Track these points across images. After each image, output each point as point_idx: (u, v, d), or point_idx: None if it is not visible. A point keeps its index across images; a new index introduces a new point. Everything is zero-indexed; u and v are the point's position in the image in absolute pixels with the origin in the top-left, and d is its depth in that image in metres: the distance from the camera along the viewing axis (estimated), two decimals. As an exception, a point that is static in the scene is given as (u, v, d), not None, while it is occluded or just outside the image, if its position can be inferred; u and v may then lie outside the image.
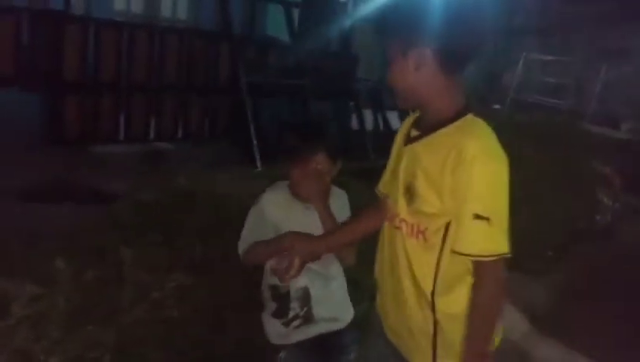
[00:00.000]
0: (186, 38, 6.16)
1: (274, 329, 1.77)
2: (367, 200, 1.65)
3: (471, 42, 1.28)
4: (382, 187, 1.55)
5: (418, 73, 1.28)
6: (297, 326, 1.73)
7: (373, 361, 1.56)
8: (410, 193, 1.33)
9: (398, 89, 1.36)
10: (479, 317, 1.26)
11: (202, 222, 2.29)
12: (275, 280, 1.72)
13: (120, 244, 2.07)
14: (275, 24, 7.36)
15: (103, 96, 5.54)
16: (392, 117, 7.11)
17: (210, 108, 6.42)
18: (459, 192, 1.22)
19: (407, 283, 1.36)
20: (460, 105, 1.32)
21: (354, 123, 6.82)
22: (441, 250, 1.29)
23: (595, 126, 11.68)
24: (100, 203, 3.47)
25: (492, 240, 1.22)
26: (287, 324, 1.74)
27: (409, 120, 1.46)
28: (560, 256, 4.51)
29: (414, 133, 1.38)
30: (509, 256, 1.25)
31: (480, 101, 8.68)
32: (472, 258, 1.24)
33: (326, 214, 1.68)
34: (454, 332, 1.30)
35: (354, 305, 1.88)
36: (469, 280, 1.29)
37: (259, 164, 4.86)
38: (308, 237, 1.59)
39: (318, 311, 1.73)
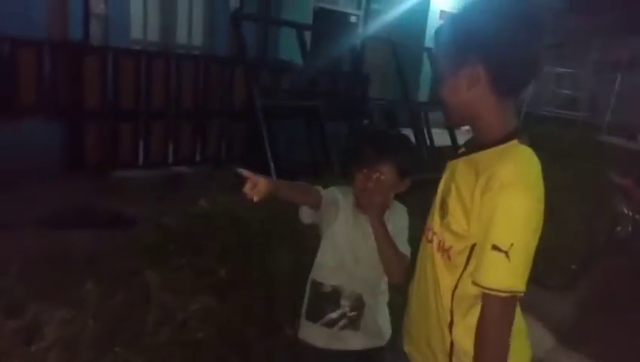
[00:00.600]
0: (202, 64, 6.29)
1: (317, 332, 1.72)
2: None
3: (524, 65, 1.23)
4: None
5: (469, 92, 1.25)
6: (343, 328, 1.70)
7: None
8: (444, 209, 1.32)
9: (448, 106, 1.33)
10: (484, 350, 1.21)
11: (224, 245, 2.32)
12: (319, 277, 1.72)
13: (145, 268, 2.11)
14: (288, 47, 7.48)
15: (123, 123, 5.67)
16: (407, 134, 7.11)
17: (227, 131, 6.52)
18: (483, 219, 1.19)
19: (431, 299, 1.36)
20: (509, 129, 1.27)
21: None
22: (463, 271, 1.27)
23: (611, 137, 11.58)
24: (122, 227, 3.53)
25: (505, 275, 1.17)
26: (332, 324, 1.70)
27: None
28: (583, 269, 4.46)
29: (462, 149, 1.38)
30: (521, 294, 1.20)
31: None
32: (481, 289, 1.20)
33: (378, 229, 1.62)
34: (468, 356, 1.27)
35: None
36: None
37: (276, 185, 4.89)
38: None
39: (365, 320, 1.72)
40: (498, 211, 1.16)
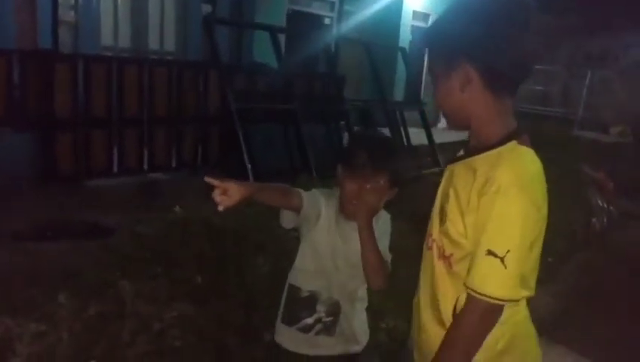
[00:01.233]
0: (175, 69, 6.23)
1: (292, 336, 1.70)
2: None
3: (514, 63, 1.19)
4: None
5: (463, 94, 1.22)
6: (318, 333, 1.68)
7: None
8: (443, 214, 1.28)
9: (444, 109, 1.29)
10: (450, 348, 1.20)
11: (200, 252, 2.29)
12: (296, 281, 1.69)
13: (120, 278, 2.07)
14: (262, 50, 7.46)
15: (95, 131, 5.57)
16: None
17: (202, 136, 6.47)
18: (479, 223, 1.15)
19: (432, 309, 1.32)
20: (508, 130, 1.23)
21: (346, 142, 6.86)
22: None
23: (585, 131, 11.83)
24: (97, 238, 3.47)
25: (499, 282, 1.13)
26: (307, 330, 1.68)
27: None
28: (560, 261, 4.53)
29: (460, 152, 1.33)
30: (516, 301, 1.18)
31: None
32: (469, 291, 1.17)
33: (367, 235, 1.58)
34: None
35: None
36: None
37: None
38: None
39: (341, 326, 1.70)
40: (494, 215, 1.12)
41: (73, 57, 5.76)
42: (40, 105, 5.26)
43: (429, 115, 8.05)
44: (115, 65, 5.73)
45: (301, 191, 1.64)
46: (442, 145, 7.20)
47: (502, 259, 1.11)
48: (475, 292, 1.15)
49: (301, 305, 1.68)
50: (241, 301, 2.27)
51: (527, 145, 1.24)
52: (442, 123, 11.76)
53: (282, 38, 7.75)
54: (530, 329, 1.35)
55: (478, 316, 1.17)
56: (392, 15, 11.25)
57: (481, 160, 1.22)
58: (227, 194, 1.40)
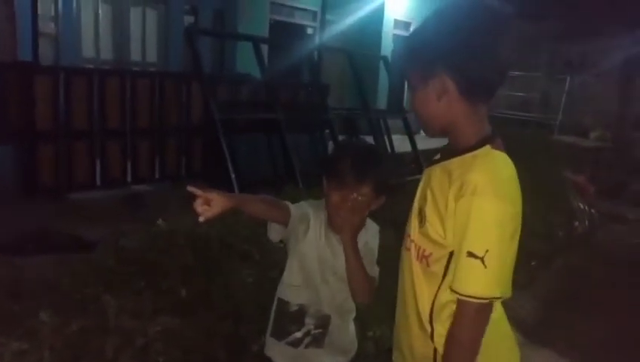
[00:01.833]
0: (157, 80, 6.20)
1: (282, 351, 1.69)
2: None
3: (490, 71, 1.23)
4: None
5: (440, 102, 1.25)
6: (307, 346, 1.67)
7: None
8: (421, 216, 1.31)
9: (421, 117, 1.32)
10: (454, 354, 1.22)
11: (184, 264, 2.27)
12: (284, 295, 1.67)
13: (102, 293, 2.04)
14: (245, 61, 7.47)
15: (77, 144, 5.52)
16: (368, 141, 7.19)
17: (186, 147, 6.43)
18: (458, 226, 1.18)
19: (411, 308, 1.34)
20: (482, 135, 1.27)
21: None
22: (443, 279, 1.26)
23: (565, 136, 12.01)
24: (80, 251, 3.42)
25: (481, 282, 1.16)
26: (297, 344, 1.67)
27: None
28: (543, 265, 4.57)
29: (437, 156, 1.36)
30: (499, 299, 1.21)
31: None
32: (457, 296, 1.20)
33: (350, 248, 1.57)
34: None
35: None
36: None
37: (238, 198, 4.85)
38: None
39: (330, 338, 1.69)
40: (471, 218, 1.15)
41: (54, 69, 5.72)
42: (21, 118, 5.19)
43: (413, 123, 8.10)
44: (96, 77, 5.69)
45: (288, 203, 1.61)
46: (426, 151, 7.25)
47: (482, 259, 1.14)
48: (460, 294, 1.18)
49: (290, 318, 1.67)
50: (227, 312, 2.25)
51: (500, 150, 1.28)
52: (426, 130, 11.85)
53: (265, 48, 7.76)
54: (505, 329, 1.37)
55: (469, 318, 1.20)
56: (374, 24, 11.35)
57: (456, 163, 1.26)
58: (209, 204, 1.38)
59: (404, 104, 11.68)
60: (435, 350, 1.30)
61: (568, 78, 15.13)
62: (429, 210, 1.28)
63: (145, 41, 8.52)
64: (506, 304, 1.31)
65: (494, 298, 1.19)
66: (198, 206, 1.37)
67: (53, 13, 7.30)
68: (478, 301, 1.17)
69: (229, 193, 1.45)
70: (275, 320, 1.71)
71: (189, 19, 8.92)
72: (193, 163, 6.51)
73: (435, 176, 1.31)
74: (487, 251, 1.14)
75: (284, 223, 1.59)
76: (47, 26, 7.18)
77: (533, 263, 4.42)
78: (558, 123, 14.54)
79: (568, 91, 15.16)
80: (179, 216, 2.72)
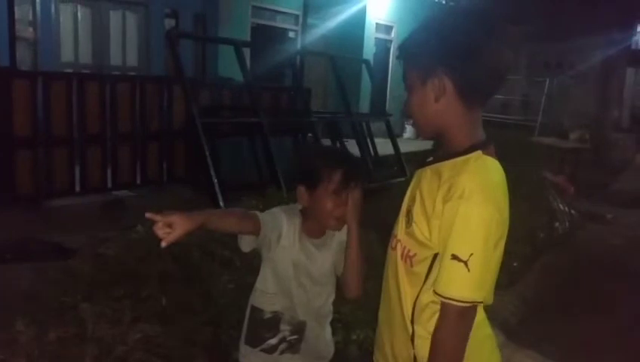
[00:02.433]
0: (138, 84, 6.14)
1: (256, 358, 1.68)
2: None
3: (488, 75, 1.23)
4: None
5: (437, 104, 1.25)
6: (282, 352, 1.67)
7: None
8: (409, 216, 1.32)
9: (417, 119, 1.32)
10: (438, 358, 1.22)
11: (163, 271, 2.24)
12: (258, 303, 1.67)
13: (80, 301, 2.01)
14: (227, 64, 7.44)
15: (56, 150, 5.44)
16: (350, 145, 7.22)
17: (167, 152, 6.38)
18: (444, 228, 1.19)
19: (394, 308, 1.35)
20: (476, 139, 1.28)
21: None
22: (425, 280, 1.27)
23: (545, 137, 12.15)
24: (58, 259, 3.37)
25: (464, 285, 1.17)
26: (271, 351, 1.66)
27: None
28: (525, 266, 4.62)
29: (429, 158, 1.37)
30: (481, 303, 1.22)
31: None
32: (439, 298, 1.20)
33: (359, 236, 1.61)
34: None
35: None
36: None
37: (221, 202, 4.82)
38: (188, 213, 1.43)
39: (306, 343, 1.69)
40: (457, 221, 1.16)
41: (32, 74, 5.63)
42: (-3, 124, 5.10)
43: (395, 126, 8.15)
44: (75, 81, 5.61)
45: (258, 214, 1.60)
46: (408, 154, 7.30)
47: (465, 263, 1.15)
48: (442, 296, 1.19)
49: (264, 326, 1.66)
50: (208, 319, 2.23)
51: (492, 156, 1.28)
52: (408, 133, 11.93)
53: (247, 52, 7.74)
54: (487, 331, 1.37)
55: (451, 320, 1.20)
56: (356, 28, 11.40)
57: (447, 166, 1.27)
58: (172, 227, 1.32)
59: (387, 107, 11.76)
60: (415, 353, 1.30)
61: (547, 80, 15.36)
62: (417, 211, 1.28)
63: (125, 44, 8.43)
64: (488, 305, 1.31)
65: (476, 302, 1.20)
66: (159, 230, 1.32)
67: (31, 17, 7.20)
68: (460, 304, 1.18)
69: (192, 212, 1.39)
70: (249, 328, 1.70)
71: (169, 23, 8.85)
72: (175, 168, 6.46)
73: (425, 177, 1.32)
74: (471, 255, 1.15)
75: (256, 233, 1.57)
76: (25, 30, 7.08)
77: (514, 264, 4.46)
78: (538, 125, 14.75)
79: (548, 93, 15.39)
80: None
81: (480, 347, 1.32)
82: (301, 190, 1.62)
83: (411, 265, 1.29)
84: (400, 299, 1.33)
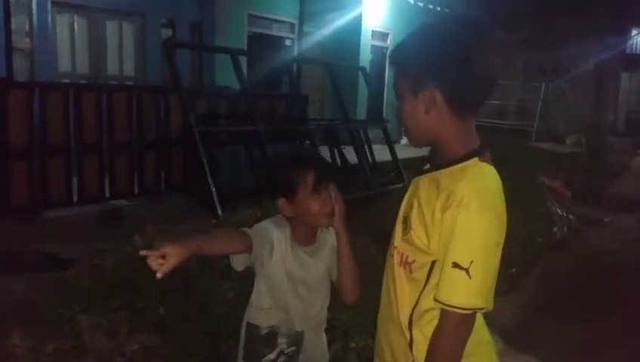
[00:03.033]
0: (135, 94, 6.15)
1: None
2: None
3: (478, 84, 1.23)
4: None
5: (428, 115, 1.25)
6: None
7: None
8: (406, 224, 1.32)
9: (408, 128, 1.33)
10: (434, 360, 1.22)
11: (161, 282, 2.23)
12: (254, 319, 1.66)
13: (78, 313, 2.00)
14: (224, 73, 7.46)
15: (53, 160, 5.42)
16: (348, 152, 7.23)
17: (165, 161, 6.38)
18: (443, 236, 1.19)
19: (393, 315, 1.35)
20: (471, 147, 1.28)
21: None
22: (424, 286, 1.27)
23: (541, 142, 12.21)
24: (55, 270, 3.35)
25: (465, 292, 1.17)
26: None
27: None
28: (524, 271, 4.61)
29: (426, 165, 1.37)
30: (482, 309, 1.21)
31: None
32: (441, 305, 1.20)
33: (347, 239, 1.62)
34: None
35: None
36: None
37: (220, 211, 4.82)
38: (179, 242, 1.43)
39: (304, 354, 1.68)
40: (457, 229, 1.16)
41: (29, 85, 5.63)
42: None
43: (392, 132, 8.16)
44: (72, 92, 5.61)
45: (247, 231, 1.59)
46: (405, 160, 7.31)
47: (467, 270, 1.16)
48: (444, 304, 1.19)
49: (261, 342, 1.65)
50: (206, 329, 2.22)
51: (488, 163, 1.28)
52: (405, 140, 11.95)
53: (244, 60, 7.76)
54: (485, 337, 1.37)
55: (451, 328, 1.21)
56: (352, 35, 11.44)
57: (445, 174, 1.27)
58: (165, 258, 1.32)
59: (384, 114, 11.78)
60: (413, 358, 1.30)
61: (543, 85, 15.44)
62: (414, 219, 1.29)
63: (122, 54, 8.45)
64: (487, 311, 1.31)
65: (477, 309, 1.20)
66: (152, 262, 1.31)
67: (27, 27, 7.21)
68: (462, 311, 1.18)
69: (184, 241, 1.39)
70: (246, 345, 1.69)
71: (166, 32, 8.88)
72: (173, 177, 6.45)
73: (422, 185, 1.32)
74: (472, 262, 1.16)
75: (248, 251, 1.56)
76: (21, 41, 7.09)
77: (513, 270, 4.46)
78: (535, 129, 14.80)
79: (544, 98, 15.46)
80: (155, 232, 2.68)
81: (478, 351, 1.32)
82: (282, 203, 1.62)
83: (411, 272, 1.29)
84: (398, 305, 1.33)
